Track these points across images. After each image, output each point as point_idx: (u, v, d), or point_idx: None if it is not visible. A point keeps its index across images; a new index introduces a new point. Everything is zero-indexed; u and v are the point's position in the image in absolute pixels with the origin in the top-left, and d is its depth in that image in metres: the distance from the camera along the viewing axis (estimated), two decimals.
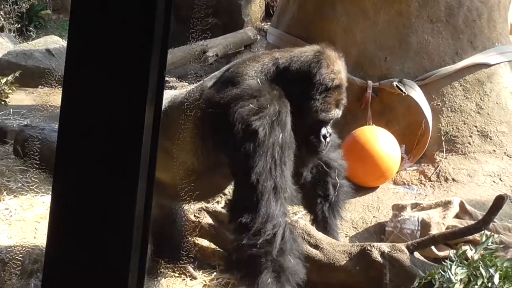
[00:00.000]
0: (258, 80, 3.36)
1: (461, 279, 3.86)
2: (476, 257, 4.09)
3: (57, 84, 7.47)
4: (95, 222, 1.25)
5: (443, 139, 6.17)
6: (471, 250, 4.27)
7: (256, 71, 3.42)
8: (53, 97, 6.66)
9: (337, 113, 3.49)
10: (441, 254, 4.72)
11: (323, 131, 3.48)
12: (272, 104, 3.23)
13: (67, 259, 1.26)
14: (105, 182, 1.24)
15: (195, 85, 3.80)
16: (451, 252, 4.22)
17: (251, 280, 3.32)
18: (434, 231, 4.88)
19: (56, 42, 9.56)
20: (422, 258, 4.52)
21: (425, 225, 5.04)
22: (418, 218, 5.14)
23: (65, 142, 1.24)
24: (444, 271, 3.90)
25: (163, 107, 3.62)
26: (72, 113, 1.22)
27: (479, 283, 3.81)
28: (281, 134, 3.18)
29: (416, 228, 5.11)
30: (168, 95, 3.75)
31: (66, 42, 7.30)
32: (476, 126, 6.17)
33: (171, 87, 8.02)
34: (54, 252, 1.27)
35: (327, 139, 3.51)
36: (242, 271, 3.41)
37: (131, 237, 1.24)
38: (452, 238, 4.49)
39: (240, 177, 3.37)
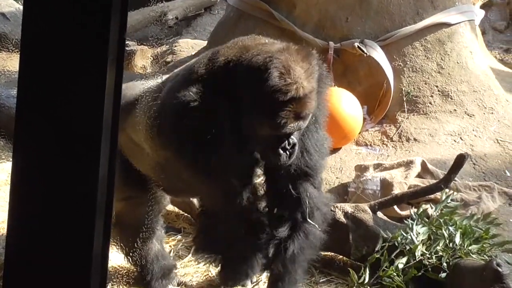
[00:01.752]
0: (199, 90, 3.02)
1: (422, 240, 3.94)
2: (436, 214, 4.17)
3: (14, 49, 7.34)
4: (58, 189, 1.24)
5: (404, 99, 6.22)
6: (432, 208, 4.35)
7: (203, 76, 3.10)
8: (10, 61, 6.54)
9: (298, 125, 2.96)
10: (403, 213, 4.79)
11: (282, 144, 3.00)
12: (207, 119, 2.99)
13: (29, 229, 1.25)
14: (67, 148, 1.23)
15: (159, 79, 3.62)
16: (412, 211, 4.29)
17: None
18: (396, 191, 4.95)
19: (11, 5, 9.35)
20: (385, 217, 4.58)
21: (387, 185, 5.11)
22: (380, 178, 5.21)
23: (25, 109, 1.23)
24: (406, 232, 3.98)
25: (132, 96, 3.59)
26: (31, 79, 1.20)
27: (441, 244, 3.89)
28: (212, 152, 3.04)
29: (378, 188, 5.17)
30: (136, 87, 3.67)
31: (21, 5, 7.17)
32: (437, 86, 6.24)
33: (131, 51, 7.94)
34: (15, 222, 1.26)
35: (288, 151, 3.03)
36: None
37: (95, 202, 1.24)
38: (414, 197, 4.56)
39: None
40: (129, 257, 4.10)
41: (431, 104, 6.17)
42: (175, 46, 8.48)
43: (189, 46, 8.45)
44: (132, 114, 3.52)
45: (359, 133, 5.98)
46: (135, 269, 4.19)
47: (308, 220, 3.42)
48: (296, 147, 3.04)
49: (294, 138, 3.00)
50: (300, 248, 3.41)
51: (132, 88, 3.67)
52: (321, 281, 4.20)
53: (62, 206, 1.24)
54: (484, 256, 3.91)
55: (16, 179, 1.25)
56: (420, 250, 3.88)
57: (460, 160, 4.26)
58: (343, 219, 4.28)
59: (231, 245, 3.38)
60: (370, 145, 6.02)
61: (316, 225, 3.47)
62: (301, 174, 3.32)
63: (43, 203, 1.25)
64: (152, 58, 8.30)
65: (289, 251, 3.39)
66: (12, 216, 1.27)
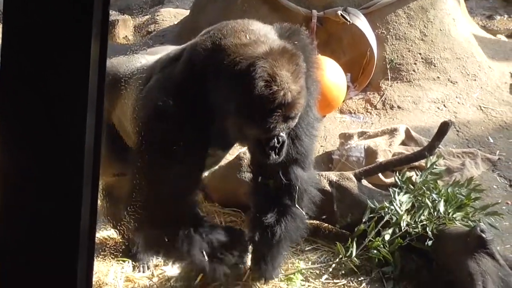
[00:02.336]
0: (177, 97, 2.93)
1: (407, 210, 3.95)
2: (420, 180, 4.18)
3: None
4: (45, 162, 1.23)
5: (388, 67, 6.22)
6: (417, 175, 4.37)
7: (182, 80, 2.98)
8: None
9: (287, 125, 2.86)
10: (388, 180, 4.81)
11: (271, 143, 2.91)
12: (182, 121, 2.91)
13: (16, 200, 1.24)
14: (53, 121, 1.21)
15: (145, 56, 3.53)
16: (397, 178, 4.30)
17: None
18: (381, 158, 4.96)
19: None
20: (369, 185, 4.59)
21: (371, 153, 5.12)
22: (364, 146, 5.21)
23: (9, 83, 1.20)
24: (391, 203, 3.99)
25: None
26: (15, 52, 1.18)
27: (425, 212, 3.91)
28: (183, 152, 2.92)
29: (362, 156, 5.18)
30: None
31: None
32: (420, 54, 6.23)
33: (113, 21, 7.84)
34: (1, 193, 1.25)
35: (277, 149, 2.95)
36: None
37: (82, 174, 1.23)
38: (398, 165, 4.57)
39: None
40: (116, 230, 4.11)
41: (415, 71, 6.17)
42: (157, 15, 8.39)
43: (171, 15, 8.37)
44: (120, 97, 3.47)
45: (343, 101, 5.97)
46: (122, 242, 4.19)
47: (297, 206, 3.41)
48: (285, 144, 2.96)
49: (283, 135, 2.91)
50: (287, 232, 3.41)
51: (120, 66, 3.60)
52: (306, 249, 4.21)
53: (49, 178, 1.23)
54: (468, 222, 3.93)
55: (1, 153, 1.24)
56: (405, 220, 3.89)
57: (444, 127, 4.26)
58: (328, 188, 4.28)
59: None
60: (354, 113, 6.03)
61: (304, 210, 3.48)
62: (291, 161, 3.28)
63: (29, 175, 1.23)
64: (134, 28, 8.21)
65: (276, 236, 3.39)
66: None
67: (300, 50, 3.00)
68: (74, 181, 1.23)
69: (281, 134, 2.89)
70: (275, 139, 2.89)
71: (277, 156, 2.95)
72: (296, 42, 3.03)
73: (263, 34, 2.92)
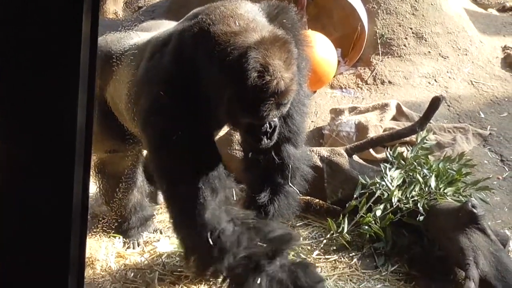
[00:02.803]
0: (169, 85, 2.91)
1: (398, 185, 3.95)
2: (411, 155, 4.18)
3: None
4: (38, 139, 1.23)
5: (379, 42, 6.18)
6: (408, 151, 4.36)
7: (174, 66, 2.94)
8: None
9: (280, 112, 2.86)
10: (379, 156, 4.80)
11: (263, 129, 2.89)
12: (177, 102, 2.88)
13: (11, 175, 1.24)
14: (44, 99, 1.20)
15: (136, 33, 3.48)
16: (388, 153, 4.29)
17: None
18: (371, 134, 4.94)
19: None
20: (360, 161, 4.59)
21: (362, 128, 5.11)
22: (355, 122, 5.20)
23: None
24: (382, 179, 3.99)
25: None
26: (4, 34, 1.16)
27: (416, 188, 3.91)
28: (183, 134, 2.87)
29: (353, 131, 5.17)
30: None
31: None
32: (411, 28, 6.19)
33: None
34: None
35: (269, 134, 2.93)
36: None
37: (74, 151, 1.22)
38: (390, 140, 4.56)
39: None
40: (108, 206, 4.11)
41: (405, 46, 6.14)
42: None
43: None
44: (112, 74, 3.44)
45: (334, 76, 5.94)
46: (114, 218, 4.18)
47: (290, 184, 3.38)
48: (277, 128, 2.95)
49: (275, 120, 2.89)
50: (280, 210, 3.39)
51: (113, 43, 3.56)
52: (298, 224, 4.21)
53: (42, 156, 1.22)
54: (459, 197, 3.93)
55: None
56: (396, 196, 3.89)
57: (436, 102, 4.25)
58: (319, 163, 4.27)
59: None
60: (345, 88, 6.00)
61: (297, 188, 3.44)
62: (283, 140, 3.26)
63: (21, 153, 1.23)
64: (124, 3, 8.12)
65: (269, 215, 3.37)
66: None
67: (289, 29, 2.97)
68: (66, 158, 1.22)
69: (274, 119, 2.87)
70: (267, 124, 2.86)
71: (269, 141, 2.93)
72: (284, 21, 2.99)
73: (252, 18, 2.85)
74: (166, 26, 3.50)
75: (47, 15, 1.14)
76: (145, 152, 3.98)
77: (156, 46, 3.12)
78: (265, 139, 2.90)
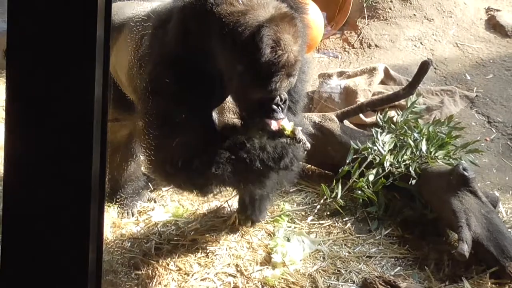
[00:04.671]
0: (179, 56, 2.94)
1: (390, 150, 3.96)
2: (401, 120, 4.18)
3: None
4: (54, 114, 1.24)
5: (364, 5, 6.15)
6: (398, 115, 4.36)
7: (184, 40, 2.96)
8: None
9: (290, 83, 2.93)
10: (369, 120, 4.80)
11: (275, 100, 2.95)
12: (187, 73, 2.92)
13: (27, 153, 1.27)
14: (61, 70, 1.22)
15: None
16: (378, 117, 4.29)
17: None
18: (360, 98, 4.93)
19: None
20: (351, 125, 4.58)
21: (351, 92, 5.09)
22: (343, 86, 5.18)
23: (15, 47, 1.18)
24: (373, 143, 3.99)
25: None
26: (19, 18, 1.15)
27: (408, 152, 3.92)
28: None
29: (342, 95, 5.16)
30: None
31: None
32: None
33: None
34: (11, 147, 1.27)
35: (281, 106, 2.97)
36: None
37: (92, 126, 1.25)
38: (380, 104, 4.55)
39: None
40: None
41: (391, 9, 6.11)
42: None
43: None
44: (114, 45, 3.43)
45: (321, 40, 5.90)
46: (109, 186, 4.16)
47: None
48: (287, 101, 3.02)
49: (285, 94, 2.98)
50: (279, 177, 3.39)
51: (116, 13, 3.54)
52: (291, 191, 4.21)
53: (61, 130, 1.25)
54: (450, 160, 3.95)
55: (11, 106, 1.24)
56: (388, 160, 3.90)
57: (424, 66, 4.23)
58: (310, 129, 4.25)
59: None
60: (332, 53, 5.97)
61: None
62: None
63: (40, 128, 1.25)
64: None
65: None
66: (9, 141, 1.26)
67: (292, 3, 3.03)
68: (84, 133, 1.26)
69: (284, 92, 2.95)
70: (278, 98, 2.94)
71: (282, 113, 2.99)
72: None
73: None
74: None
75: None
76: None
77: (159, 21, 3.11)
78: (279, 111, 2.96)
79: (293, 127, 3.01)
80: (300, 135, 3.04)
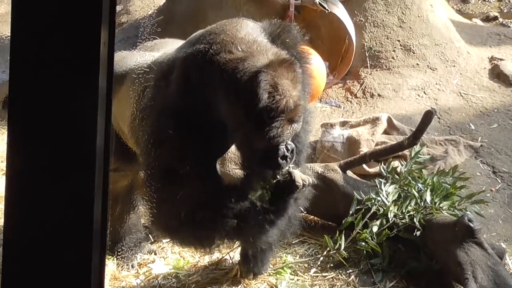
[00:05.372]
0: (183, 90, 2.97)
1: (394, 201, 3.97)
2: (405, 170, 4.20)
3: None
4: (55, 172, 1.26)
5: (367, 54, 6.22)
6: (402, 165, 4.38)
7: (183, 92, 3.00)
8: None
9: (293, 129, 2.91)
10: (372, 170, 4.82)
11: (280, 151, 2.92)
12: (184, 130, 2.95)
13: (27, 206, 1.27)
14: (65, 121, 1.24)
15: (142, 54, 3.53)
16: (382, 168, 4.31)
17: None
18: (363, 148, 4.96)
19: None
20: (354, 176, 4.60)
21: (354, 142, 5.12)
22: (346, 136, 5.21)
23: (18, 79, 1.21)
24: (377, 194, 4.00)
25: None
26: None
27: (412, 203, 3.93)
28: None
29: (345, 145, 5.18)
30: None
31: None
32: (399, 41, 6.24)
33: None
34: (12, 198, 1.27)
35: (288, 158, 2.96)
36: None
37: (94, 173, 1.27)
38: (383, 155, 4.58)
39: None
40: None
41: (394, 58, 6.18)
42: (130, 5, 8.29)
43: (144, 5, 8.27)
44: (116, 95, 3.46)
45: (323, 90, 5.96)
46: (109, 238, 4.16)
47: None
48: (294, 151, 3.00)
49: (291, 143, 2.97)
50: (279, 228, 3.39)
51: (117, 63, 3.58)
52: (294, 242, 4.20)
53: (61, 179, 1.26)
54: (455, 211, 3.95)
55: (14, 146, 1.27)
56: (392, 211, 3.91)
57: (428, 116, 4.27)
58: (313, 179, 4.27)
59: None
60: (334, 102, 6.02)
61: (299, 207, 3.49)
62: None
63: (41, 176, 1.26)
64: None
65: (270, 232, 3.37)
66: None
67: (291, 47, 3.07)
68: (86, 182, 1.27)
69: (288, 142, 2.95)
70: (284, 148, 2.93)
71: (289, 166, 3.00)
72: (287, 40, 3.08)
73: (253, 40, 2.94)
74: (169, 45, 3.57)
75: (66, 37, 1.19)
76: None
77: (161, 72, 3.15)
78: (285, 164, 2.96)
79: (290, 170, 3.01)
80: (297, 177, 3.03)
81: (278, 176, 3.04)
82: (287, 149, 2.94)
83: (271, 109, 2.79)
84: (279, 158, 2.93)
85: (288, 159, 2.96)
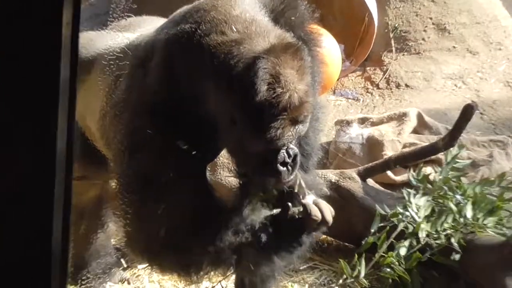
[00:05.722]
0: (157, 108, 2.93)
1: (426, 216, 3.94)
2: (439, 178, 4.17)
3: None
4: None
5: (391, 35, 6.22)
6: (435, 172, 4.35)
7: (162, 83, 2.97)
8: None
9: (297, 131, 2.85)
10: (399, 178, 4.80)
11: (280, 157, 2.86)
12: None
13: None
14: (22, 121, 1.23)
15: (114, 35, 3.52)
16: (410, 175, 4.29)
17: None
18: (388, 151, 4.95)
19: None
20: (376, 185, 4.58)
21: (376, 144, 5.11)
22: (366, 136, 5.20)
23: None
24: (405, 208, 3.98)
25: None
26: None
27: (449, 219, 3.90)
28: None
29: (365, 148, 5.17)
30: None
31: None
32: (431, 18, 6.23)
33: None
34: None
35: (289, 165, 2.89)
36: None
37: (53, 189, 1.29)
38: (412, 159, 4.56)
39: None
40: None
41: (425, 40, 6.17)
42: None
43: None
44: (82, 85, 3.47)
45: (338, 79, 5.95)
46: (72, 263, 4.15)
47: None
48: (298, 157, 2.91)
49: (294, 148, 2.88)
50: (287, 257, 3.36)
51: (84, 46, 3.61)
52: (301, 268, 4.19)
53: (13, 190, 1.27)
54: (502, 229, 3.93)
55: None
56: (424, 229, 3.88)
57: (468, 111, 4.24)
58: (326, 190, 4.25)
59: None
60: (351, 94, 6.01)
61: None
62: None
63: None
64: None
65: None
66: None
67: (298, 28, 3.00)
68: (44, 194, 1.29)
69: (291, 146, 2.86)
70: (285, 153, 2.84)
71: (290, 175, 2.89)
72: (292, 18, 3.03)
73: (251, 19, 2.87)
74: (147, 25, 3.57)
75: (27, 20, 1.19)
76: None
77: (138, 58, 3.12)
78: (285, 172, 2.86)
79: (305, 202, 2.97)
80: (315, 211, 2.99)
81: (290, 210, 3.00)
82: (288, 155, 2.85)
83: (271, 104, 2.69)
84: (278, 165, 2.84)
85: (289, 166, 2.86)
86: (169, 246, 3.08)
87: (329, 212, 3.00)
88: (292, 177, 2.91)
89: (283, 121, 2.74)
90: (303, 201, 2.98)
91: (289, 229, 3.07)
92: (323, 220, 2.97)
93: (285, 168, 2.85)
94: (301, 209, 3.00)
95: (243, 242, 3.06)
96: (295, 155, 2.86)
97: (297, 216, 3.00)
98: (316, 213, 2.95)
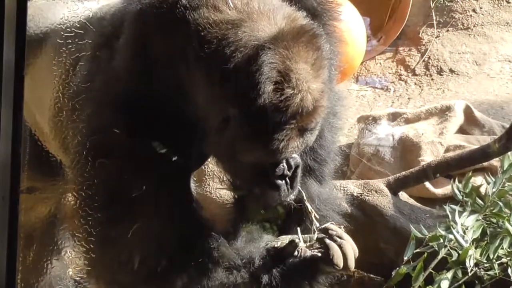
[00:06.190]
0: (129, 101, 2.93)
1: (475, 240, 3.97)
2: (492, 191, 4.21)
3: None
4: None
5: (432, 5, 6.24)
6: (488, 184, 4.39)
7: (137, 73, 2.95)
8: None
9: (304, 142, 2.86)
10: (440, 192, 4.83)
11: (279, 169, 2.88)
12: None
13: None
14: None
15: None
16: (455, 188, 4.31)
17: None
18: (426, 156, 4.97)
19: None
20: (411, 200, 4.61)
21: (411, 147, 5.13)
22: (394, 135, 5.22)
23: None
24: (448, 230, 4.01)
25: None
26: None
27: (505, 244, 3.94)
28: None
29: (397, 151, 5.20)
30: None
31: None
32: None
33: None
34: None
35: (289, 178, 2.92)
36: None
37: None
38: (458, 167, 4.59)
39: None
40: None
41: (476, 12, 6.20)
42: None
43: None
44: (30, 71, 3.47)
45: (361, 63, 5.97)
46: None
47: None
48: (300, 168, 2.95)
49: (295, 156, 2.90)
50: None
51: (35, 18, 3.61)
52: None
53: None
54: None
55: None
56: (472, 256, 3.91)
57: None
58: (345, 206, 4.29)
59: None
60: (380, 82, 6.04)
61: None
62: (304, 172, 3.25)
63: None
64: None
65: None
66: None
67: (315, 5, 2.99)
68: None
69: (293, 155, 2.89)
70: (285, 164, 2.87)
71: (290, 190, 2.92)
72: None
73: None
74: None
75: None
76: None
77: (102, 35, 3.12)
78: (284, 187, 2.89)
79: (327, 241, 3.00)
80: (335, 250, 3.02)
81: (298, 247, 3.04)
82: (289, 166, 2.88)
83: (277, 109, 2.66)
84: (275, 179, 2.87)
85: (287, 180, 2.89)
86: (142, 278, 3.12)
87: (353, 257, 3.00)
88: (294, 192, 2.92)
89: (290, 131, 2.73)
90: (318, 235, 3.00)
91: (297, 269, 3.09)
92: (345, 267, 2.97)
93: (283, 182, 2.87)
94: (314, 238, 3.04)
95: (237, 283, 3.11)
96: (297, 166, 2.89)
97: (309, 253, 3.03)
98: (338, 260, 2.96)
